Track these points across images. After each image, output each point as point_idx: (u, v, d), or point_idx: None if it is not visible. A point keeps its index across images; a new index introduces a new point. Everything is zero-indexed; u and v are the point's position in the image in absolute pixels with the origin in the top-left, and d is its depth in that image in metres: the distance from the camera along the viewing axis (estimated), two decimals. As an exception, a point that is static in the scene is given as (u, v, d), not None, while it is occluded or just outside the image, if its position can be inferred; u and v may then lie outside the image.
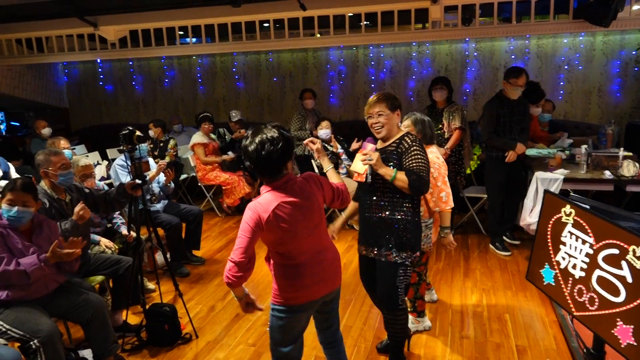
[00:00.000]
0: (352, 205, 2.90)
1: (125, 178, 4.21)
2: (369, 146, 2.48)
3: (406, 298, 3.28)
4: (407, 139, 2.52)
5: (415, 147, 2.48)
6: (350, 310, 3.64)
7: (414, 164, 2.45)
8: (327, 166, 2.47)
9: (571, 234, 1.85)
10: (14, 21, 6.53)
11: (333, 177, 2.39)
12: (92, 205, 3.18)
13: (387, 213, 2.55)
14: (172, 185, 4.49)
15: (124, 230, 3.84)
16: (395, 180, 2.43)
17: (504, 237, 4.81)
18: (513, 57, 6.56)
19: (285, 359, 2.26)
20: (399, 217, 2.54)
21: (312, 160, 5.62)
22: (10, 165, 4.84)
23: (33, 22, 6.46)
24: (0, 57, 7.13)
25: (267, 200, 2.03)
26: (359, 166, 2.54)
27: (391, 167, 2.48)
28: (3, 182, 3.77)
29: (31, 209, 2.69)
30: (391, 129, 2.57)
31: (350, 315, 3.55)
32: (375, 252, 2.63)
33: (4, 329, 2.52)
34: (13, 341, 2.55)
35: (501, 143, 4.47)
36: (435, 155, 3.05)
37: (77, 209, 2.93)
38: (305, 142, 2.51)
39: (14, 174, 4.66)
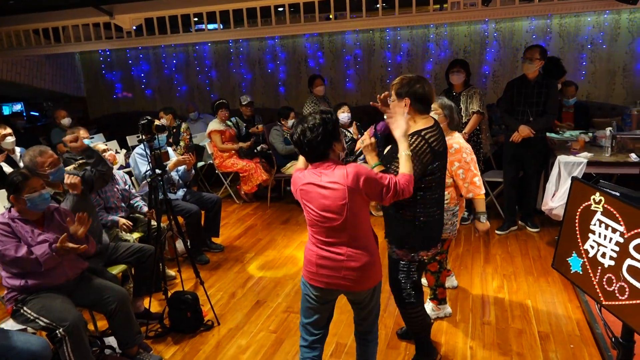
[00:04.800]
0: None
1: (145, 167, 4.24)
2: (372, 129, 2.43)
3: (428, 286, 3.28)
4: (414, 138, 2.31)
5: (412, 151, 2.26)
6: (370, 296, 3.64)
7: (393, 167, 2.31)
8: (373, 163, 2.33)
9: (600, 222, 1.80)
10: (30, 11, 6.57)
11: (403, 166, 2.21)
12: (90, 185, 3.18)
13: (392, 207, 2.48)
14: (193, 171, 4.52)
15: (145, 209, 3.92)
16: None
17: (526, 225, 4.78)
18: (534, 37, 6.39)
19: (302, 327, 2.39)
20: (400, 215, 2.46)
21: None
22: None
23: (49, 12, 6.49)
24: (18, 48, 7.20)
25: (298, 177, 2.20)
26: (358, 144, 2.50)
27: (381, 161, 2.38)
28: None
29: (49, 190, 2.75)
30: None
31: (370, 302, 3.56)
32: (386, 242, 2.62)
33: (32, 317, 2.58)
34: (40, 329, 2.61)
35: (508, 122, 4.56)
36: (462, 140, 3.03)
37: (65, 181, 2.94)
38: (363, 142, 2.40)
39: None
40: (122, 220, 3.67)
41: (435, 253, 2.68)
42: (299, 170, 2.24)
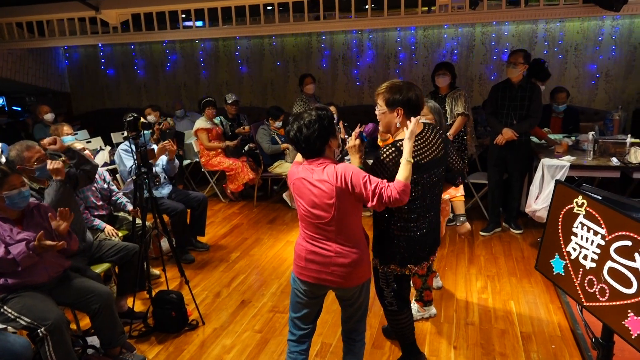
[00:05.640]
0: None
1: (130, 162, 4.18)
2: (358, 129, 2.40)
3: (415, 288, 3.28)
4: (386, 148, 2.26)
5: (381, 161, 2.26)
6: (355, 296, 3.65)
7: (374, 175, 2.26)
8: (356, 165, 2.28)
9: (583, 224, 1.83)
10: (14, 4, 6.45)
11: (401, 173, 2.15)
12: (74, 182, 3.17)
13: (374, 214, 2.47)
14: (177, 162, 4.42)
15: (129, 207, 3.87)
16: None
17: (509, 227, 4.85)
18: (520, 41, 6.47)
19: (290, 321, 2.41)
20: (378, 223, 2.45)
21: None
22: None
23: (34, 5, 6.38)
24: (0, 41, 7.06)
25: (293, 171, 2.24)
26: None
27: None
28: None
29: (27, 187, 2.70)
30: (388, 127, 2.33)
31: (355, 302, 3.57)
32: None
33: (13, 316, 2.53)
34: (21, 329, 2.56)
35: (492, 125, 4.63)
36: None
37: (49, 166, 2.90)
38: (348, 143, 2.36)
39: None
40: (109, 228, 3.63)
41: (416, 270, 2.54)
42: (297, 164, 2.26)
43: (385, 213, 2.36)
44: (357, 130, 2.34)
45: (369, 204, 2.08)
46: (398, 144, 2.23)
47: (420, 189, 2.32)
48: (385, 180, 2.09)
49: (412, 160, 2.13)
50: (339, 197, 2.08)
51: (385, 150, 2.26)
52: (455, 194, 2.93)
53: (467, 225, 2.98)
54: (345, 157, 2.57)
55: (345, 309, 2.40)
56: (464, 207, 2.96)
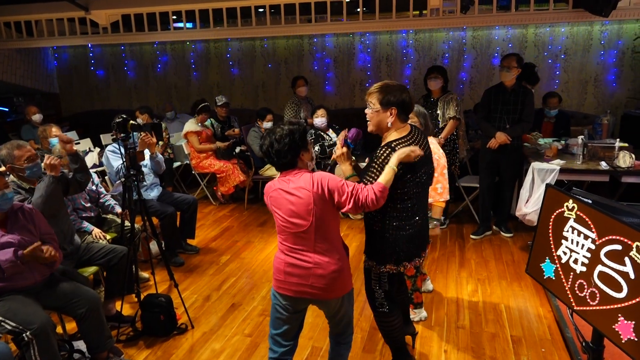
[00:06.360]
0: None
1: (117, 162, 4.12)
2: (342, 136, 2.40)
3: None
4: (381, 150, 2.28)
5: (374, 161, 2.26)
6: (346, 300, 3.64)
7: (367, 176, 2.28)
8: (348, 173, 2.36)
9: (573, 228, 1.84)
10: (2, 4, 6.37)
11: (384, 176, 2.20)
12: (65, 186, 3.13)
13: (366, 216, 2.47)
14: (160, 156, 4.29)
15: (118, 209, 3.82)
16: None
17: (500, 230, 4.86)
18: (510, 45, 6.52)
19: (270, 339, 2.38)
20: (372, 224, 2.44)
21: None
22: None
23: (22, 5, 6.31)
24: (-12, 41, 6.98)
25: (269, 185, 2.25)
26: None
27: (354, 173, 2.38)
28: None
29: (10, 189, 2.66)
30: (379, 126, 2.33)
31: (346, 306, 3.55)
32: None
33: (-4, 321, 2.49)
34: (6, 333, 2.51)
35: (484, 128, 4.62)
36: (435, 145, 3.00)
37: (46, 161, 2.86)
38: (335, 152, 2.41)
39: None
40: (97, 230, 3.59)
41: (409, 268, 2.55)
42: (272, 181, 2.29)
43: (379, 214, 2.36)
44: (341, 137, 2.36)
45: (345, 208, 2.13)
46: (393, 144, 2.26)
47: (414, 188, 2.35)
48: (362, 185, 2.16)
49: (396, 170, 2.18)
50: (316, 204, 2.10)
51: (381, 150, 2.28)
52: (438, 199, 2.94)
53: (437, 230, 3.02)
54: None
55: (330, 321, 2.42)
56: (441, 213, 3.01)
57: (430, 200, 2.93)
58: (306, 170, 2.20)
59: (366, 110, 2.35)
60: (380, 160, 2.25)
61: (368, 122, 2.37)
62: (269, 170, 5.80)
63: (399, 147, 2.25)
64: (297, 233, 2.16)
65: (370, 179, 2.24)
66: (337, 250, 2.22)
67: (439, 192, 2.95)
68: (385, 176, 2.16)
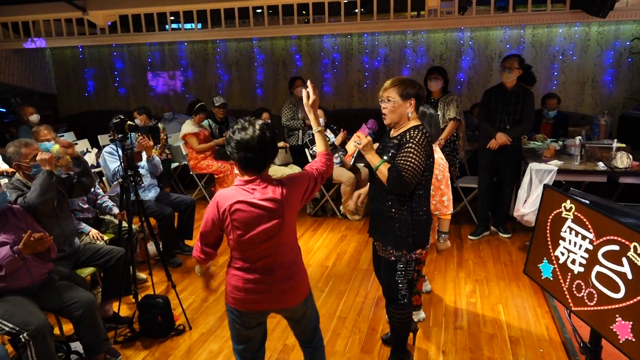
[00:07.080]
0: (365, 189, 2.85)
1: (114, 164, 4.12)
2: (365, 128, 2.44)
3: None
4: (412, 132, 2.37)
5: (411, 144, 2.33)
6: (344, 301, 3.63)
7: (401, 161, 2.32)
8: (377, 161, 2.40)
9: (571, 229, 1.84)
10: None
11: (320, 144, 2.23)
12: (69, 189, 3.14)
13: (386, 207, 2.49)
14: (157, 159, 4.28)
15: (115, 210, 3.81)
16: (378, 171, 2.39)
17: (498, 231, 4.86)
18: (508, 46, 6.53)
19: (236, 353, 2.26)
20: (396, 214, 2.46)
21: (306, 149, 5.57)
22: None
23: (20, 5, 6.30)
24: (-15, 41, 6.97)
25: (225, 195, 1.99)
26: (351, 147, 2.51)
27: (385, 158, 2.42)
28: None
29: (2, 190, 2.66)
30: (399, 118, 2.44)
31: (344, 307, 3.55)
32: (379, 245, 2.62)
33: (-6, 322, 2.48)
34: (3, 334, 2.50)
35: (484, 129, 4.62)
36: (439, 156, 2.93)
37: (38, 157, 2.85)
38: (358, 143, 2.45)
39: (0, 162, 4.56)
40: (94, 231, 3.58)
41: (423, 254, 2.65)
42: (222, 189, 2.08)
43: (408, 199, 2.43)
44: (363, 128, 2.38)
45: (318, 188, 2.15)
46: (420, 127, 2.41)
47: (430, 173, 2.49)
48: (309, 166, 2.17)
49: (322, 130, 2.24)
50: (285, 213, 1.99)
51: (416, 133, 2.36)
52: (445, 212, 2.91)
53: (448, 243, 2.98)
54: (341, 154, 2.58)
55: (296, 326, 2.29)
56: (448, 226, 2.96)
57: (436, 213, 2.91)
58: (269, 178, 2.02)
59: (384, 105, 2.46)
60: (416, 140, 2.33)
61: (384, 116, 2.48)
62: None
63: (425, 130, 2.41)
64: (262, 248, 2.00)
65: (404, 171, 2.30)
66: (296, 254, 2.13)
67: (445, 205, 2.91)
68: (322, 143, 2.22)
